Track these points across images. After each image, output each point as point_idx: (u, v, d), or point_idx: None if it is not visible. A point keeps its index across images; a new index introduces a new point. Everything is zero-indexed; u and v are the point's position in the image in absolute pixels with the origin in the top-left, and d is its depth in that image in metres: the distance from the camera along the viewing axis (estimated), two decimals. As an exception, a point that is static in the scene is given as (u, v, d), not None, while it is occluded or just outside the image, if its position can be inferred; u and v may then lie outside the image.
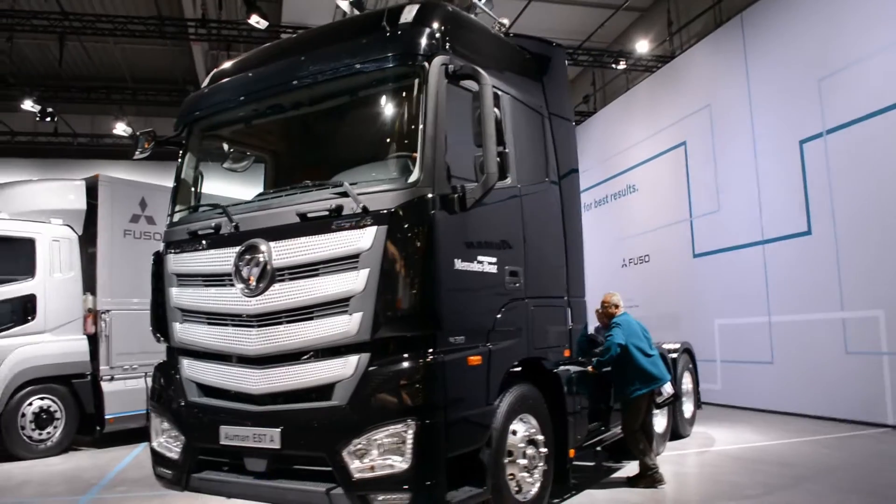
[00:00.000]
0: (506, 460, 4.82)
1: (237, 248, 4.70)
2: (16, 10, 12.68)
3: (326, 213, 4.40)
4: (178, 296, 5.18)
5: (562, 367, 5.80)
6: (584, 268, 6.41)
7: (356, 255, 4.25)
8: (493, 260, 4.84)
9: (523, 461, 4.98)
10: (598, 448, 7.92)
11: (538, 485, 5.15)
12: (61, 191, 9.77)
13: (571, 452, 5.69)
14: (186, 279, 5.14)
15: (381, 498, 4.08)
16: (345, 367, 4.27)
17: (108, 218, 9.74)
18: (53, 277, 9.26)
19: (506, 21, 6.03)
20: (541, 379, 5.52)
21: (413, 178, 4.31)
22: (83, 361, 9.44)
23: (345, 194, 4.35)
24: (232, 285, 4.71)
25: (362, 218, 4.27)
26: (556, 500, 5.98)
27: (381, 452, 4.11)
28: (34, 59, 17.31)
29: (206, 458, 4.89)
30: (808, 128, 10.45)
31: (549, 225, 5.85)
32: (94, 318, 9.57)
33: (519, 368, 5.33)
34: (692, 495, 6.18)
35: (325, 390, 4.35)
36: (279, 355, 4.53)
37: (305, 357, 4.47)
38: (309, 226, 4.47)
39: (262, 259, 4.56)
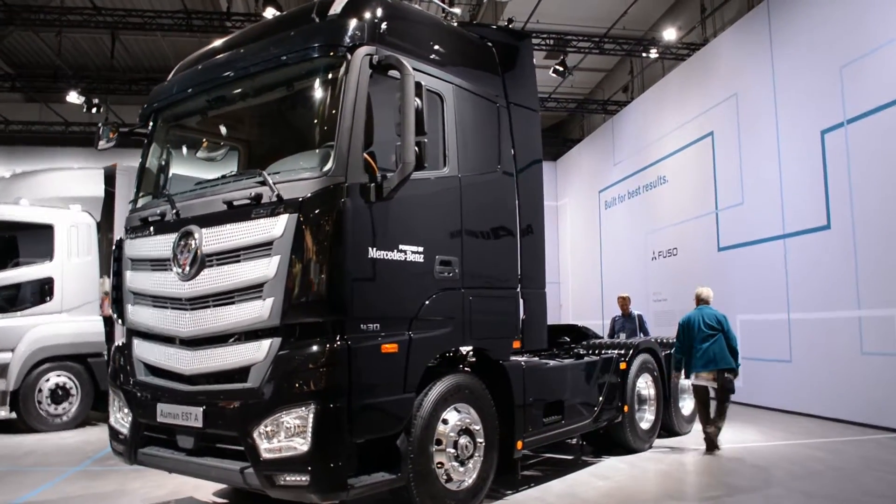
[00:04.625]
0: (433, 449, 4.86)
1: (175, 235, 4.90)
2: (52, 7, 13.40)
3: (248, 201, 4.53)
4: (131, 279, 5.43)
5: (512, 359, 5.80)
6: (543, 259, 6.32)
7: (270, 243, 4.38)
8: (419, 249, 4.85)
9: (453, 450, 4.99)
10: (583, 442, 7.95)
11: (474, 475, 5.16)
12: (80, 179, 10.36)
13: (519, 444, 5.67)
14: (138, 263, 5.38)
15: (284, 478, 4.20)
16: (258, 351, 4.41)
17: (125, 205, 10.15)
18: (71, 261, 9.79)
19: (457, 11, 6.01)
20: (490, 369, 5.56)
21: (327, 167, 4.39)
22: (99, 341, 9.95)
23: (264, 183, 4.47)
24: (171, 270, 4.91)
25: (277, 206, 4.39)
26: (508, 492, 5.96)
27: (287, 435, 4.23)
28: (88, 53, 18.22)
29: (149, 434, 5.12)
30: (829, 118, 9.99)
31: (498, 215, 5.80)
32: (110, 300, 10.06)
33: (472, 358, 5.45)
34: (645, 493, 6.05)
35: (242, 373, 4.48)
36: (207, 337, 4.71)
37: (230, 340, 4.63)
38: (233, 213, 4.62)
39: (193, 245, 4.73)
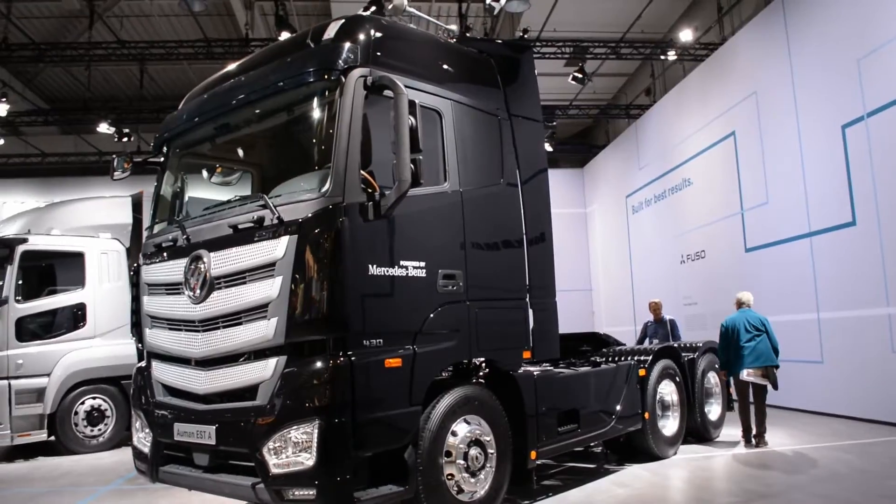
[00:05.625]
0: (443, 460, 4.90)
1: (186, 259, 5.07)
2: (79, 43, 13.92)
3: (251, 224, 4.67)
4: (148, 303, 5.61)
5: (524, 369, 5.82)
6: (553, 268, 6.32)
7: (273, 264, 4.50)
8: (421, 264, 4.93)
9: (463, 462, 5.03)
10: (607, 450, 7.93)
11: (487, 486, 5.19)
12: (108, 207, 10.68)
13: (533, 454, 5.68)
14: (154, 288, 5.56)
15: (293, 492, 4.30)
16: (265, 370, 4.52)
17: (151, 231, 10.50)
18: (102, 287, 10.09)
19: (454, 28, 6.10)
20: (503, 380, 5.61)
21: (325, 188, 4.50)
22: (131, 364, 10.14)
23: (266, 206, 4.61)
24: (183, 293, 5.07)
25: (278, 228, 4.52)
26: (525, 502, 6.00)
27: (294, 450, 4.33)
28: (119, 84, 18.84)
29: (169, 452, 5.28)
30: (849, 112, 9.82)
31: (503, 227, 5.84)
32: (130, 324, 10.31)
33: (486, 370, 5.52)
34: (663, 500, 6.00)
35: (251, 391, 4.61)
36: (218, 358, 4.85)
37: (240, 359, 4.76)
38: (238, 237, 4.76)
39: (203, 269, 4.89)
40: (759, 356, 8.20)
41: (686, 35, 14.80)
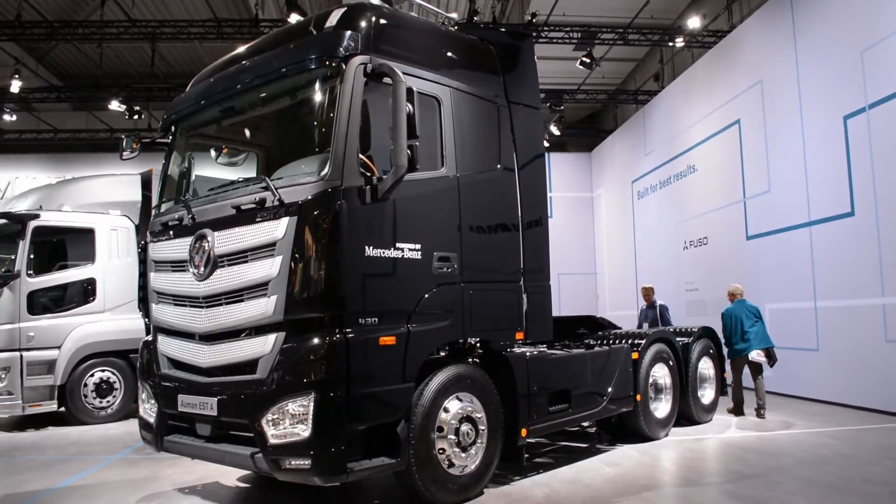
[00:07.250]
0: (435, 435, 5.11)
1: (191, 238, 5.26)
2: (91, 21, 14.08)
3: (254, 205, 4.85)
4: (155, 280, 5.81)
5: (517, 349, 6.00)
6: (547, 252, 6.47)
7: (273, 244, 4.69)
8: (416, 246, 5.11)
9: (454, 437, 5.23)
10: (600, 431, 8.13)
11: (477, 461, 5.39)
12: (118, 185, 10.87)
13: (524, 432, 5.88)
14: (160, 265, 5.76)
15: (290, 462, 4.53)
16: (265, 345, 4.73)
17: (161, 208, 10.70)
18: (112, 263, 10.30)
19: (455, 15, 6.21)
20: (496, 360, 5.80)
21: (324, 171, 4.67)
22: (140, 338, 10.41)
23: (267, 188, 4.79)
24: (188, 270, 5.27)
25: (279, 210, 4.70)
26: (516, 478, 6.18)
27: (291, 422, 4.54)
28: (131, 62, 18.99)
29: (173, 423, 5.50)
30: (851, 103, 9.88)
31: (499, 211, 6.00)
32: (137, 300, 10.52)
33: (480, 350, 5.74)
34: (649, 479, 6.18)
35: (252, 365, 4.81)
36: (220, 333, 5.05)
37: (241, 335, 4.96)
38: (241, 217, 4.95)
39: (207, 247, 5.09)
40: (762, 339, 9.36)
41: (694, 22, 14.79)
